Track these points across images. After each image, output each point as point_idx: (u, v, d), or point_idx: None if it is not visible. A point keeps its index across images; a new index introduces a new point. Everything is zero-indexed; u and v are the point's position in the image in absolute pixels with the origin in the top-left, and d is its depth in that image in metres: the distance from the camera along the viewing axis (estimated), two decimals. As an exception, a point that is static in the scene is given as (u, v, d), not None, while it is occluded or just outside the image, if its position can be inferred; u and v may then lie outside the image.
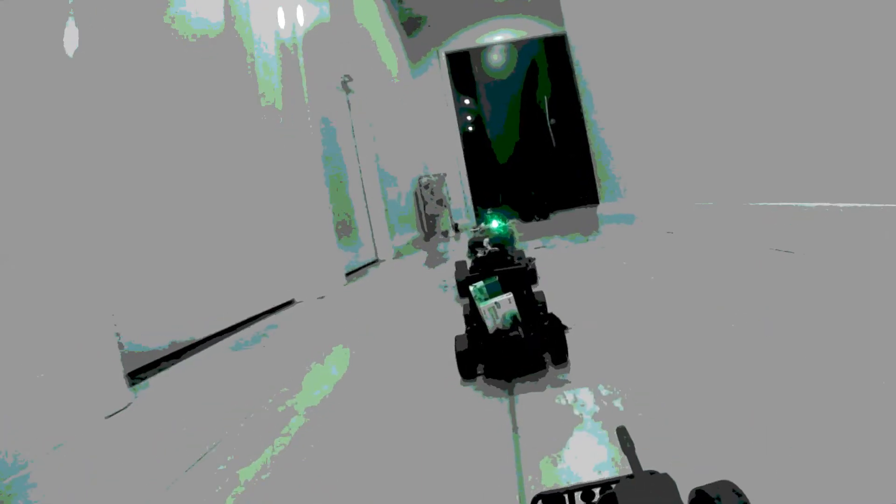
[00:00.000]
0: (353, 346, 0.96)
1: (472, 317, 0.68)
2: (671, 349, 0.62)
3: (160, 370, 0.95)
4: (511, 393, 0.58)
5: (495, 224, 1.39)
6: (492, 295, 0.65)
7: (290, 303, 1.56)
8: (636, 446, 0.32)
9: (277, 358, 0.97)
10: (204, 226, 1.21)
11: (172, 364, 0.99)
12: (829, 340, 0.54)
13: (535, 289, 0.78)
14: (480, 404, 0.56)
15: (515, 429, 0.48)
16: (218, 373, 0.92)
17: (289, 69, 1.66)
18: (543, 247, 2.02)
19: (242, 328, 1.29)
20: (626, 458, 0.33)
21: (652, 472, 0.29)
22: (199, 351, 1.09)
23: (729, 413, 0.43)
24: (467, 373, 0.64)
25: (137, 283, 0.98)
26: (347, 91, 2.43)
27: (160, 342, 1.01)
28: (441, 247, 3.06)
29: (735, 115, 1.23)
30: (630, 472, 0.31)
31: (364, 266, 2.26)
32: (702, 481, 0.28)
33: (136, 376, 0.91)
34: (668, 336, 0.67)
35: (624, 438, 0.32)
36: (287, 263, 1.56)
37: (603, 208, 2.74)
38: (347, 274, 1.98)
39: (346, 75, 2.37)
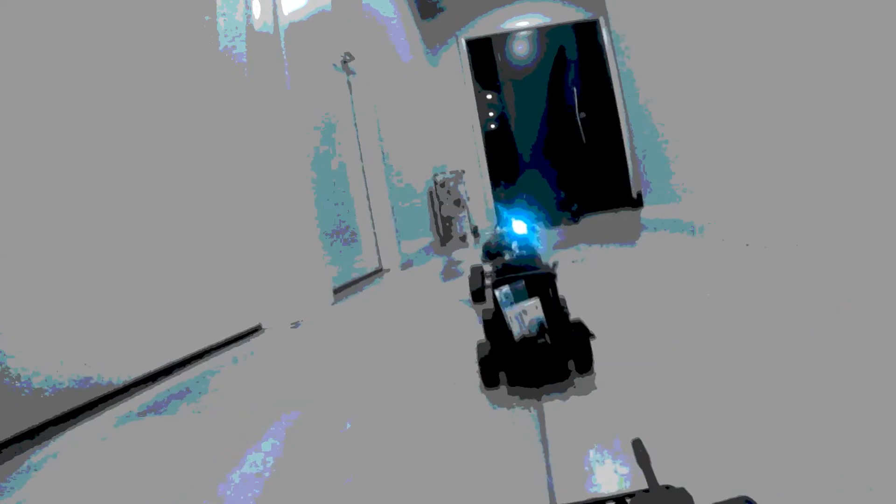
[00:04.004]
0: (335, 385, 0.61)
1: (495, 322, 0.65)
2: (695, 363, 0.60)
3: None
4: (539, 399, 0.56)
5: (522, 226, 1.20)
6: (518, 300, 0.62)
7: (255, 330, 1.21)
8: (652, 459, 0.31)
9: (199, 434, 0.62)
10: (125, 219, 0.86)
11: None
12: (864, 361, 0.50)
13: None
14: (507, 414, 0.54)
15: (545, 440, 0.47)
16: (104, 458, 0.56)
17: (263, 36, 1.31)
18: (579, 261, 1.64)
19: (177, 372, 0.94)
20: (641, 471, 0.30)
21: (668, 487, 0.28)
22: (94, 414, 0.74)
23: (748, 428, 0.42)
24: (490, 380, 0.62)
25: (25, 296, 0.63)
26: (348, 72, 2.08)
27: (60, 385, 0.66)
28: (452, 254, 2.70)
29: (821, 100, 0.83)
30: (646, 486, 0.29)
31: (363, 278, 1.90)
32: (719, 497, 0.27)
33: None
34: (694, 349, 0.64)
35: (640, 451, 0.31)
36: (252, 277, 1.21)
37: (648, 212, 2.34)
38: (339, 289, 1.63)
39: (346, 53, 2.02)
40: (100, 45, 0.90)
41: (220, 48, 1.24)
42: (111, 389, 0.81)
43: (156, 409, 0.75)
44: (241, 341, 1.14)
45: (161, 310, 0.94)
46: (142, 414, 0.74)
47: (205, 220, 1.10)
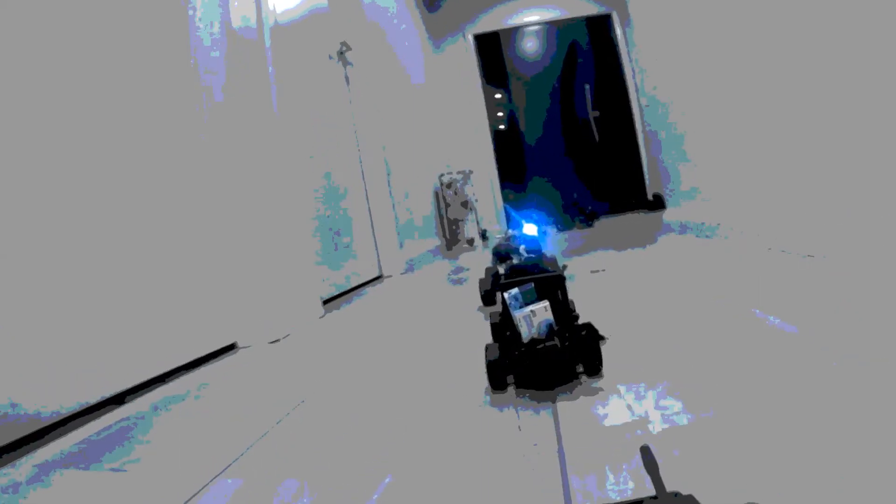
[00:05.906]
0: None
1: (503, 325, 0.66)
2: (703, 368, 0.58)
3: None
4: (554, 402, 0.55)
5: (532, 229, 1.20)
6: (527, 303, 0.61)
7: (230, 348, 1.07)
8: (660, 466, 0.30)
9: (133, 491, 0.48)
10: (77, 215, 0.73)
11: None
12: (870, 365, 0.49)
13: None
14: (515, 418, 0.53)
15: (559, 438, 0.46)
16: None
17: (247, 28, 1.18)
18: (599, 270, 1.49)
19: (130, 399, 0.80)
20: (649, 478, 0.29)
21: (676, 494, 0.27)
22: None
23: (757, 435, 0.41)
24: (498, 384, 0.60)
25: None
26: (345, 63, 1.94)
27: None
28: (458, 259, 2.55)
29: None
30: (654, 492, 0.28)
31: (359, 286, 1.76)
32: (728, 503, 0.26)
33: None
34: (702, 355, 0.63)
35: (647, 458, 0.30)
36: (226, 288, 1.07)
37: (670, 214, 2.17)
38: (330, 300, 1.49)
39: (343, 43, 1.89)
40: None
41: (204, 41, 1.10)
42: (38, 427, 0.68)
43: (90, 453, 0.61)
44: (211, 361, 1.00)
45: (117, 321, 0.80)
46: (69, 462, 0.60)
47: (169, 217, 0.96)
